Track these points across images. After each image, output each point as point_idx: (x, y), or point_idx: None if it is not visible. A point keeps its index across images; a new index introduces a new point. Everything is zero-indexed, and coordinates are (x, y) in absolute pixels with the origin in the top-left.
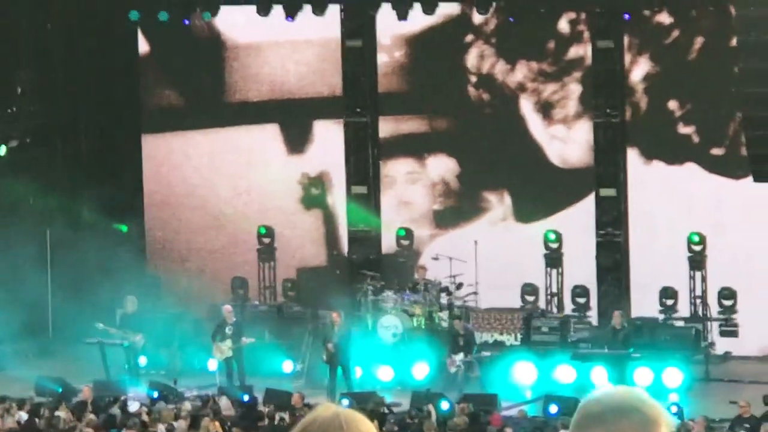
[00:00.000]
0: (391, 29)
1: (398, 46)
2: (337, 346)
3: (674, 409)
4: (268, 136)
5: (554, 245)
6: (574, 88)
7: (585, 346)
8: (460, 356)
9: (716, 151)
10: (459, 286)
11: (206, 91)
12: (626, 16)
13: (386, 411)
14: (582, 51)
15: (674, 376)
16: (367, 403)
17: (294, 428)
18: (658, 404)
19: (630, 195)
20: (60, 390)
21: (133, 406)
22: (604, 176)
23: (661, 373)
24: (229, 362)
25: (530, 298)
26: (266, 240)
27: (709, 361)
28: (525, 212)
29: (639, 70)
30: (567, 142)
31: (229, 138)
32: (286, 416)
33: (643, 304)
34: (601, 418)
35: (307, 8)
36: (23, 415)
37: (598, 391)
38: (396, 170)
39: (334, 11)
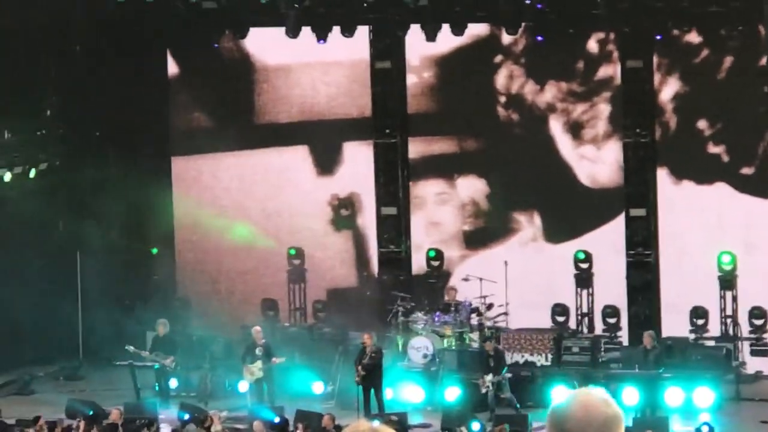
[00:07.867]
0: (420, 50)
1: (427, 67)
2: (368, 367)
3: (705, 429)
4: (298, 157)
5: (584, 265)
6: (604, 108)
7: (616, 367)
8: (490, 377)
9: (746, 171)
10: (489, 306)
11: (236, 113)
12: (658, 37)
13: None
14: (611, 71)
15: (705, 395)
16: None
17: None
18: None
19: (660, 215)
20: (91, 412)
21: (164, 429)
22: (634, 196)
23: (692, 393)
24: (260, 384)
25: (561, 319)
26: (296, 261)
27: (740, 381)
28: (555, 232)
29: (668, 89)
30: (596, 162)
31: (259, 160)
32: None
33: (674, 324)
34: None
35: (336, 30)
36: None
37: (565, 406)
38: (426, 191)
39: (363, 32)
